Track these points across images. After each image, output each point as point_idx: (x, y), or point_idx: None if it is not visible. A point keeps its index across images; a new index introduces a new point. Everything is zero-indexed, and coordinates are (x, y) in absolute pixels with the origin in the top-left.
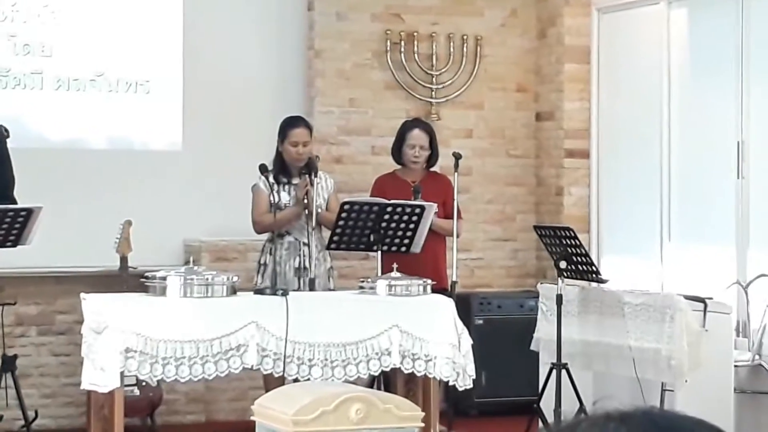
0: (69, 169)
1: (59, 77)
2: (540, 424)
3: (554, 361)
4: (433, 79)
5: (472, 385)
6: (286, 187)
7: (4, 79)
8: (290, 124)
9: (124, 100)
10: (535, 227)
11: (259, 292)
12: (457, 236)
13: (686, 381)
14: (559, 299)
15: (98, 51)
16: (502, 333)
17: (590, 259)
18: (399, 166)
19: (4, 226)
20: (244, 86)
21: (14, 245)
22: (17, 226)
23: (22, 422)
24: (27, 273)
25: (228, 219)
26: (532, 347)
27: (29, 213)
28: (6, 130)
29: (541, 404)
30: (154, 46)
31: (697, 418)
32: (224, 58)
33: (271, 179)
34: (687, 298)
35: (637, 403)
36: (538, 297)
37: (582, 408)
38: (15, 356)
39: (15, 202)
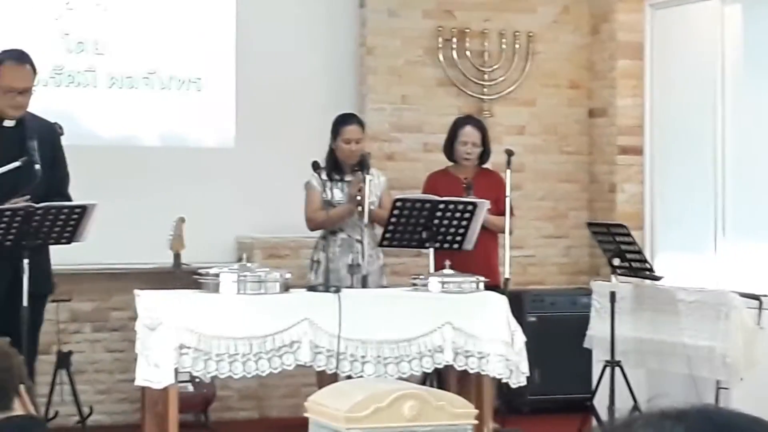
0: (122, 166)
1: (112, 75)
2: (594, 422)
3: (608, 358)
4: (485, 76)
5: (525, 383)
6: (339, 184)
7: (58, 76)
8: (343, 121)
9: (176, 98)
10: (588, 224)
11: (312, 289)
12: (510, 233)
13: (741, 379)
14: (613, 296)
15: (151, 48)
16: (555, 330)
17: (643, 256)
18: (451, 163)
19: (59, 222)
20: (297, 83)
21: (69, 242)
22: (72, 222)
23: (78, 418)
24: (82, 270)
25: (280, 216)
26: (586, 345)
27: (83, 210)
28: (60, 128)
29: (595, 402)
30: (206, 44)
31: (753, 416)
32: (276, 56)
33: (323, 176)
34: (742, 295)
35: (691, 401)
36: (591, 294)
37: (636, 406)
38: (70, 353)
39: (70, 199)
